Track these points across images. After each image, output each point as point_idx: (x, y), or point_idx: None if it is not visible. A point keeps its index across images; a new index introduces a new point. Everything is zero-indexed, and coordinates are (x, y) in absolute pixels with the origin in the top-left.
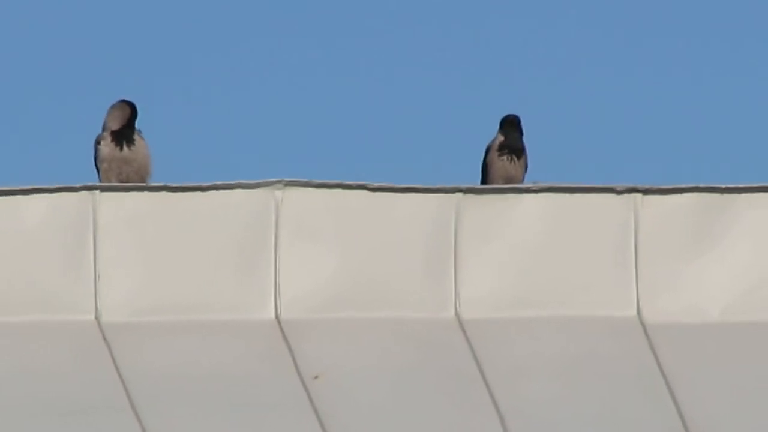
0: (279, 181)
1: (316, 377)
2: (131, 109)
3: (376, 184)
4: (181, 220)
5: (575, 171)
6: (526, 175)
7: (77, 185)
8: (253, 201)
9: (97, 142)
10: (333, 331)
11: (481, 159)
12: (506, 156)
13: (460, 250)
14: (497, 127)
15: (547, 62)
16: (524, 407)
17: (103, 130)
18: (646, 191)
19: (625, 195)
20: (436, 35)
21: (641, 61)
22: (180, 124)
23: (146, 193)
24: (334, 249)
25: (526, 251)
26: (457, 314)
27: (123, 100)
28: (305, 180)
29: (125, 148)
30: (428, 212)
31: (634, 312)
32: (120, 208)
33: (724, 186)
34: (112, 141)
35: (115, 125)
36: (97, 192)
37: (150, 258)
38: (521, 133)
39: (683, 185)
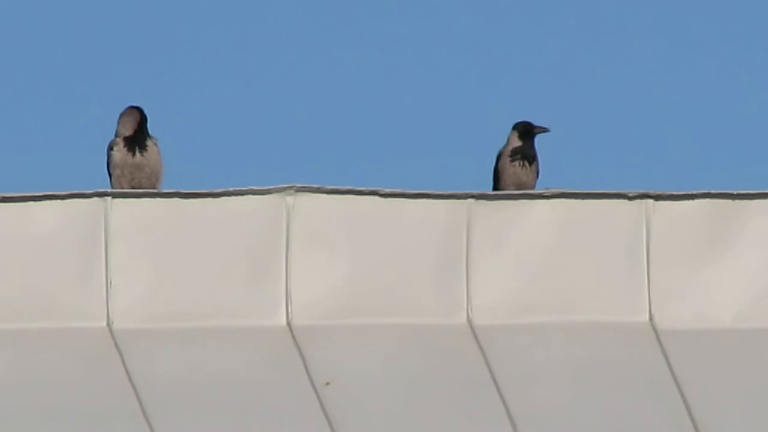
0: (290, 187)
1: (328, 383)
2: (140, 114)
3: (388, 190)
4: (193, 226)
5: (587, 177)
6: (538, 181)
7: (89, 192)
8: (265, 207)
9: (110, 148)
10: (344, 338)
11: (493, 165)
12: (518, 162)
13: (471, 256)
14: (508, 133)
15: (559, 68)
16: (536, 413)
17: (116, 136)
18: (657, 197)
19: (637, 201)
20: (449, 41)
21: (653, 67)
22: (191, 131)
23: (158, 200)
24: (345, 255)
25: (537, 257)
26: (468, 320)
27: (131, 106)
28: (316, 186)
29: (138, 154)
30: (440, 218)
31: (646, 318)
32: (132, 214)
33: (735, 192)
34: (124, 146)
35: (127, 131)
36: (109, 198)
37: (161, 264)
38: (533, 140)
39: (695, 191)
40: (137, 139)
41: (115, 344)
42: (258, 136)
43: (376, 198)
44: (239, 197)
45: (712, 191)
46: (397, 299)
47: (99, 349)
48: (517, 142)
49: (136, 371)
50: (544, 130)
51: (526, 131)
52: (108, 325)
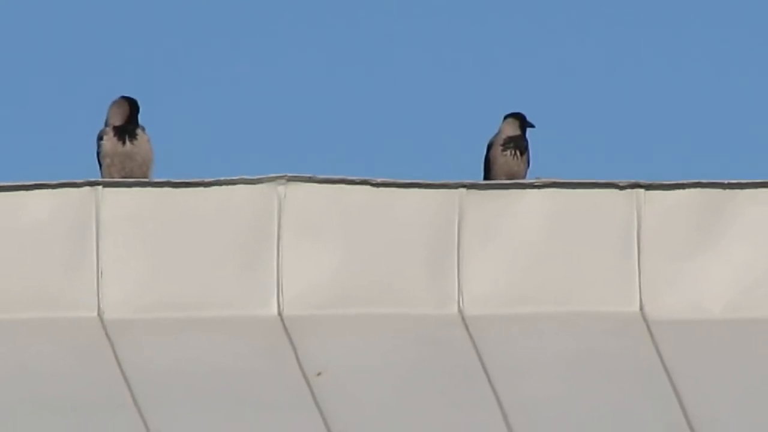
0: (282, 177)
1: (319, 374)
2: (130, 105)
3: (380, 180)
4: (184, 215)
5: (578, 166)
6: (529, 171)
7: (80, 181)
8: (256, 196)
9: (100, 138)
10: (336, 328)
11: (484, 155)
12: (509, 151)
13: (463, 246)
14: (500, 122)
15: (550, 57)
16: (527, 403)
17: (106, 126)
18: (648, 187)
19: (628, 190)
20: (439, 31)
21: (644, 57)
22: (182, 120)
23: (149, 189)
24: (337, 245)
25: (529, 247)
26: (460, 310)
27: (122, 97)
28: (308, 175)
29: (128, 142)
30: (431, 208)
31: (637, 308)
32: (123, 203)
33: (726, 181)
34: (114, 136)
35: (117, 121)
36: (100, 188)
37: (153, 254)
38: (525, 131)
39: (686, 181)
40: (127, 128)
41: (106, 334)
42: (249, 125)
43: (368, 187)
44: (230, 186)
45: (703, 180)
46: (389, 289)
47: (90, 339)
48: (510, 131)
49: (127, 361)
50: (532, 125)
51: (522, 122)
52: (99, 314)
